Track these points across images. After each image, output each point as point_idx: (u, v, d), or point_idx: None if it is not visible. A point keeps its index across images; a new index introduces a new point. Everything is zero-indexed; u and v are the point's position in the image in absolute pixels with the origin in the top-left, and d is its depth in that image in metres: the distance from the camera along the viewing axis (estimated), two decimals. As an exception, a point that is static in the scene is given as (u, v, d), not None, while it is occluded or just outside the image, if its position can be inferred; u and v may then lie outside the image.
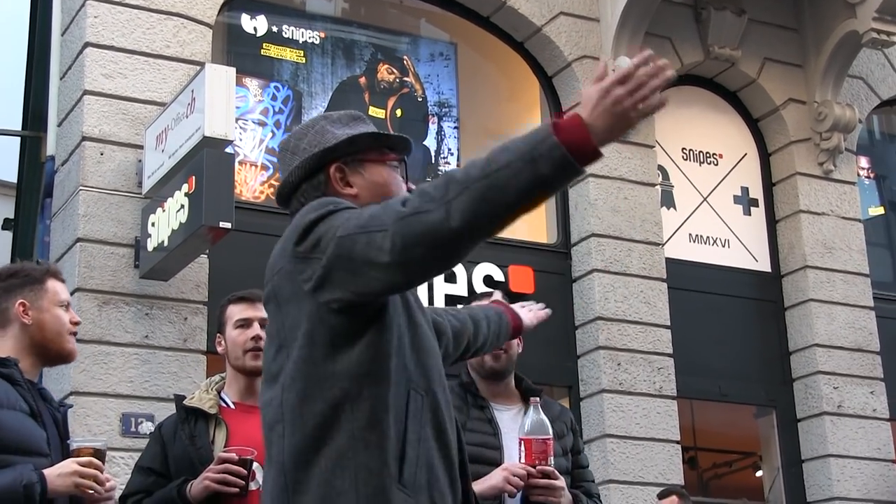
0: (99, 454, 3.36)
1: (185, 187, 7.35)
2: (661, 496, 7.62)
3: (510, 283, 9.12)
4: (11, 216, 12.33)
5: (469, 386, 3.92)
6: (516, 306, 3.57)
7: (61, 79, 8.58)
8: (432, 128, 9.77)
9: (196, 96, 7.42)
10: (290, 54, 9.27)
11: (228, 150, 7.60)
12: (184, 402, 3.97)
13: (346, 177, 2.68)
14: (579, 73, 9.72)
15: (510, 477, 3.57)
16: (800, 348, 10.16)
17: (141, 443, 7.24)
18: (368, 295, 2.43)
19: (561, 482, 3.65)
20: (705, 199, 10.38)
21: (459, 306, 3.50)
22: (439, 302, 8.73)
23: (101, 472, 3.32)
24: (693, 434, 10.38)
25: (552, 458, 3.64)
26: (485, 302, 4.02)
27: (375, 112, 9.47)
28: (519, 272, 9.25)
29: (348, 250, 2.39)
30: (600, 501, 3.94)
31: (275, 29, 9.25)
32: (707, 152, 10.55)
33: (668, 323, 9.48)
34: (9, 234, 12.66)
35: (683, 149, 10.45)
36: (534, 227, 9.87)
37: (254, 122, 9.00)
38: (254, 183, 8.79)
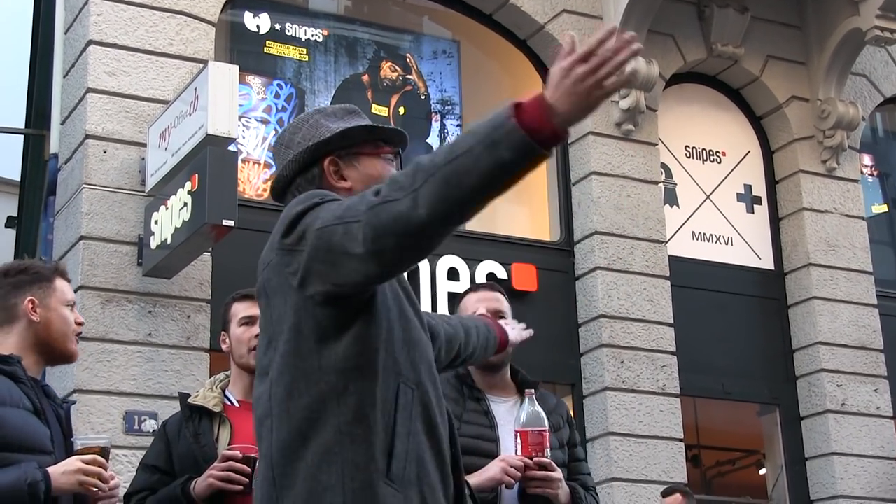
0: (103, 452, 3.36)
1: (188, 185, 7.35)
2: (665, 494, 7.62)
3: (513, 281, 9.12)
4: (15, 214, 12.34)
5: (465, 378, 3.92)
6: (501, 323, 3.58)
7: (64, 77, 8.59)
8: (435, 125, 9.77)
9: (199, 94, 7.42)
10: (293, 52, 9.27)
11: (231, 147, 7.60)
12: (188, 400, 3.98)
13: (340, 170, 2.67)
14: (582, 71, 9.69)
15: (507, 468, 3.56)
16: (803, 346, 10.15)
17: (144, 440, 7.26)
18: (349, 286, 2.39)
19: (558, 474, 3.64)
20: (708, 196, 10.37)
21: (447, 314, 3.51)
22: (442, 299, 8.74)
23: (105, 470, 3.32)
24: (696, 432, 10.38)
25: (548, 449, 3.63)
26: (480, 293, 4.01)
27: (378, 110, 9.47)
28: (522, 270, 9.25)
29: (326, 242, 2.37)
30: (596, 494, 3.93)
31: (278, 27, 9.25)
32: (710, 150, 10.54)
33: (672, 321, 9.48)
34: (12, 232, 12.67)
35: (686, 146, 10.44)
36: (537, 224, 9.88)
37: (257, 120, 9.00)
38: (257, 181, 8.79)
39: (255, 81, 9.07)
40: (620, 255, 9.44)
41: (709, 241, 10.25)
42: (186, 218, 7.31)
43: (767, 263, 10.46)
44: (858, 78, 11.08)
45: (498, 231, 9.54)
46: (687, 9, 10.32)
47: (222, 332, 4.12)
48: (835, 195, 10.59)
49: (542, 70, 9.99)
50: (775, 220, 10.59)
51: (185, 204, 7.34)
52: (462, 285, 8.84)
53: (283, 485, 2.42)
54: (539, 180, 9.96)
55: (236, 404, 3.98)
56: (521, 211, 10.15)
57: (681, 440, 9.27)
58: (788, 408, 10.11)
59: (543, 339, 9.13)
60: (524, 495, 3.64)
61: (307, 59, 9.33)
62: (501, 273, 9.07)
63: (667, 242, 9.76)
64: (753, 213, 10.56)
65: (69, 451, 3.38)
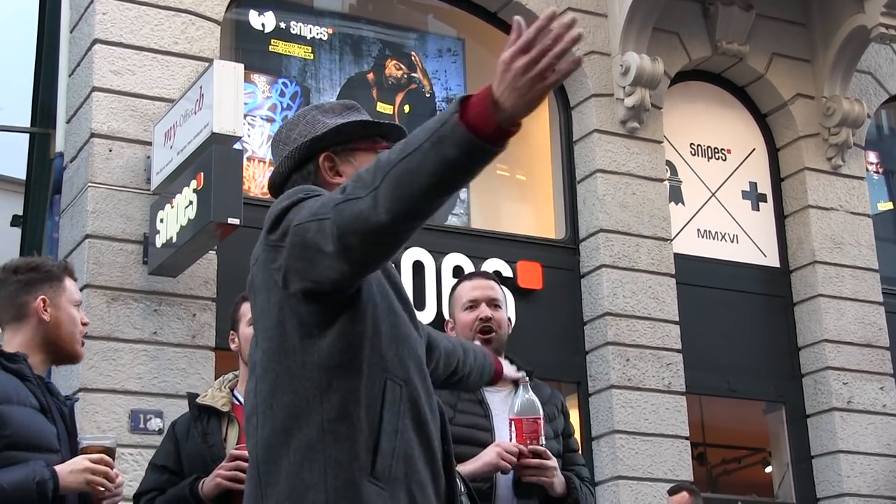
0: (109, 451, 3.36)
1: (193, 183, 7.35)
2: (672, 492, 7.62)
3: (519, 279, 9.12)
4: (20, 213, 12.34)
5: None
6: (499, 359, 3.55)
7: (70, 75, 8.60)
8: (440, 124, 9.75)
9: (204, 93, 7.43)
10: (298, 50, 9.27)
11: (237, 146, 7.61)
12: (197, 399, 3.98)
13: (335, 166, 2.65)
14: (587, 69, 9.70)
15: (503, 453, 3.56)
16: (809, 344, 10.14)
17: (150, 439, 7.27)
18: (328, 283, 2.36)
19: (553, 462, 3.63)
20: (713, 194, 10.36)
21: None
22: (447, 298, 8.72)
23: (112, 469, 3.32)
24: (702, 430, 10.37)
25: (543, 437, 3.62)
26: (474, 281, 3.99)
27: (383, 108, 9.48)
28: (527, 268, 9.24)
29: (302, 239, 2.35)
30: (591, 486, 3.91)
31: (283, 25, 9.25)
32: (715, 147, 10.53)
33: (677, 318, 9.47)
34: (18, 231, 12.68)
35: (692, 144, 10.43)
36: (542, 222, 9.87)
37: (262, 119, 9.01)
38: (262, 179, 8.79)
39: (261, 80, 9.08)
40: (626, 253, 9.44)
41: (714, 238, 10.24)
42: (192, 216, 7.32)
43: (773, 261, 10.45)
44: (863, 75, 11.06)
45: (503, 229, 9.54)
46: (692, 6, 10.31)
47: (231, 332, 4.12)
48: (840, 192, 10.58)
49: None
50: (780, 217, 10.58)
51: (191, 202, 7.34)
52: (467, 283, 8.83)
53: (267, 482, 2.40)
54: (544, 178, 9.96)
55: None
56: (527, 209, 10.15)
57: (686, 438, 9.26)
58: (794, 405, 10.10)
59: (549, 337, 9.15)
60: (519, 484, 3.63)
61: (312, 57, 9.33)
62: (507, 271, 9.06)
63: (672, 240, 9.76)
64: (759, 210, 10.55)
65: (74, 449, 3.37)
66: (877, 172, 11.63)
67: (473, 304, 3.87)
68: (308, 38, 9.34)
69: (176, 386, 7.56)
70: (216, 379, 4.37)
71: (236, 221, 7.23)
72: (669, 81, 10.07)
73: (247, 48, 9.18)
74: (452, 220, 9.53)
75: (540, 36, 2.10)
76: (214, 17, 8.57)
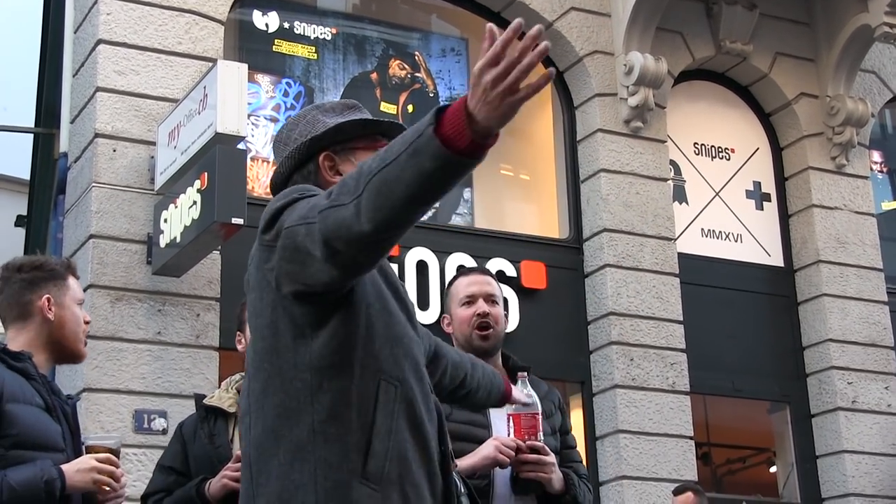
0: (114, 451, 3.37)
1: (197, 183, 7.36)
2: (677, 492, 7.61)
3: (522, 279, 9.12)
4: (24, 213, 12.36)
5: None
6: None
7: (74, 76, 8.60)
8: (444, 123, 9.74)
9: (208, 93, 7.43)
10: (301, 50, 9.27)
11: (241, 146, 7.60)
12: (203, 401, 3.98)
13: (336, 165, 2.64)
14: (591, 69, 9.71)
15: (500, 446, 3.55)
16: (813, 343, 10.13)
17: (154, 439, 7.28)
18: (319, 286, 2.35)
19: (551, 458, 3.62)
20: (717, 193, 10.36)
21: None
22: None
23: (118, 468, 3.32)
24: (706, 430, 10.35)
25: (541, 433, 3.62)
26: (471, 276, 3.97)
27: (387, 108, 9.47)
28: (531, 267, 9.24)
29: (293, 241, 2.34)
30: (589, 482, 3.90)
31: (286, 25, 9.25)
32: (719, 147, 10.53)
33: (681, 318, 9.47)
34: (22, 231, 12.69)
35: (695, 143, 10.43)
36: (546, 222, 9.87)
37: (266, 119, 9.01)
38: (266, 179, 8.79)
39: (264, 80, 9.08)
40: (629, 253, 9.43)
41: (718, 238, 10.24)
42: (196, 216, 7.32)
43: (777, 260, 10.44)
44: (867, 74, 11.06)
45: (507, 228, 9.53)
46: (695, 6, 10.30)
47: (237, 333, 4.13)
48: (844, 192, 10.57)
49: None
50: (784, 216, 10.57)
51: (195, 202, 7.34)
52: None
53: (258, 482, 2.40)
54: (548, 178, 9.96)
55: (250, 404, 3.98)
56: (530, 208, 10.14)
57: (691, 438, 9.25)
58: (799, 405, 10.09)
59: (553, 336, 9.15)
60: (517, 480, 3.62)
61: (316, 57, 9.33)
62: (510, 270, 9.07)
63: (676, 239, 9.75)
64: (763, 209, 10.54)
65: (78, 449, 3.37)
66: (881, 171, 11.62)
67: (470, 300, 3.86)
68: (312, 37, 9.34)
69: (180, 386, 7.56)
70: (220, 379, 4.37)
71: (240, 221, 7.23)
72: (673, 81, 10.07)
73: (250, 48, 9.18)
74: (456, 220, 9.54)
75: (507, 49, 2.07)
76: (218, 17, 8.57)
